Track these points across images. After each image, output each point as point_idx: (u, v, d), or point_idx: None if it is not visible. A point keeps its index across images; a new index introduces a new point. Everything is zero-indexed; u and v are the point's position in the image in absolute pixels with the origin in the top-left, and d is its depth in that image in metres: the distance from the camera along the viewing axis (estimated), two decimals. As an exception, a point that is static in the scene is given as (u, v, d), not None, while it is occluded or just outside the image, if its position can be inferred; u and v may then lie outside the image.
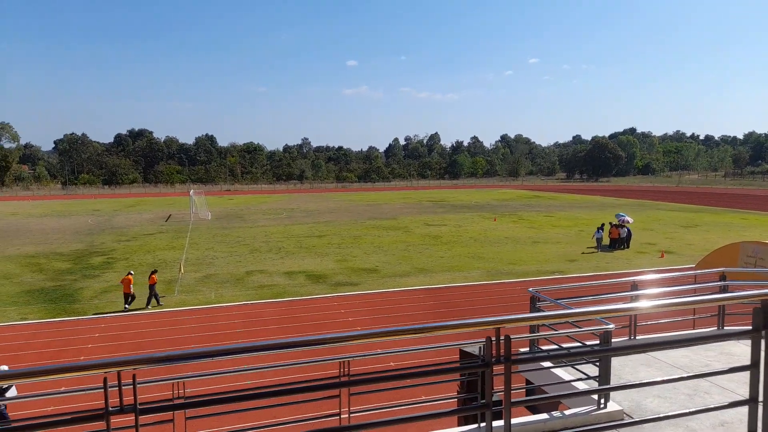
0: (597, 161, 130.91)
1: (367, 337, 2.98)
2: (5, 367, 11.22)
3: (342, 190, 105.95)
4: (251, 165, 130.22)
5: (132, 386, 3.41)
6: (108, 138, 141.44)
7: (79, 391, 6.24)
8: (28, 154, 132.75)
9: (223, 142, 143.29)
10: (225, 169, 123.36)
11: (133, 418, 2.83)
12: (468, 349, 9.45)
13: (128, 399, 2.84)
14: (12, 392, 10.24)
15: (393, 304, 20.71)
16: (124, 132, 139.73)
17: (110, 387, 2.88)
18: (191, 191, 58.41)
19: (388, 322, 18.54)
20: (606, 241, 33.19)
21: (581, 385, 6.32)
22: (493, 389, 3.39)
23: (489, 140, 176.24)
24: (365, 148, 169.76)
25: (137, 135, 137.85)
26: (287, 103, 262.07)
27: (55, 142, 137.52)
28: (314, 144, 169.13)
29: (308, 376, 11.62)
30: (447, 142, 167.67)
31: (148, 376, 8.14)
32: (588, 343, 7.42)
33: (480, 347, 7.43)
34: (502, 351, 3.27)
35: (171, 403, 3.35)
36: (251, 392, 3.18)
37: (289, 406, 6.44)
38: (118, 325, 18.38)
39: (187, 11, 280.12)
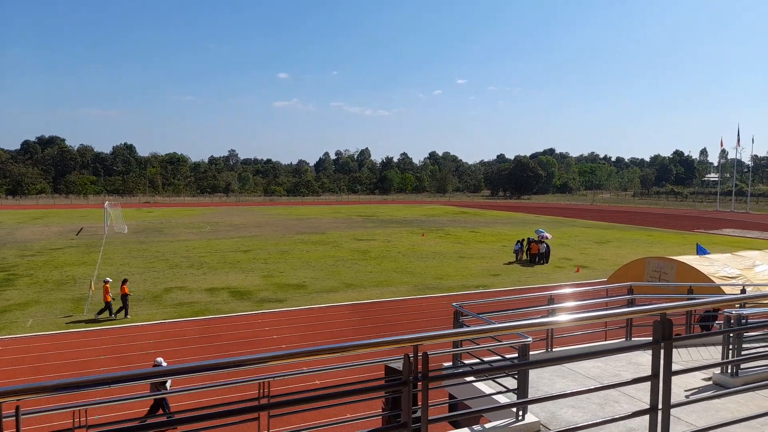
0: (519, 179, 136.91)
1: (280, 359, 2.84)
2: (161, 360, 11.21)
3: (270, 203, 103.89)
4: (173, 176, 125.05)
5: (15, 418, 3.07)
6: (14, 145, 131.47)
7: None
8: None
9: (143, 152, 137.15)
10: (144, 180, 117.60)
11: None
12: (393, 365, 9.43)
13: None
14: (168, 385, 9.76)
15: (319, 321, 20.40)
16: (32, 139, 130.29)
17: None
18: (106, 203, 55.04)
19: (314, 339, 18.21)
20: (526, 256, 34.66)
21: (501, 398, 6.45)
22: (411, 407, 3.35)
23: (418, 157, 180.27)
24: (295, 162, 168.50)
25: (47, 142, 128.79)
26: (214, 113, 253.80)
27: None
28: (242, 156, 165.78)
29: (225, 399, 11.12)
30: (377, 157, 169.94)
31: (46, 404, 7.45)
32: (507, 356, 7.61)
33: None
34: (420, 368, 3.24)
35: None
36: (161, 419, 2.95)
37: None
38: (17, 348, 16.83)
39: (105, 17, 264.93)
